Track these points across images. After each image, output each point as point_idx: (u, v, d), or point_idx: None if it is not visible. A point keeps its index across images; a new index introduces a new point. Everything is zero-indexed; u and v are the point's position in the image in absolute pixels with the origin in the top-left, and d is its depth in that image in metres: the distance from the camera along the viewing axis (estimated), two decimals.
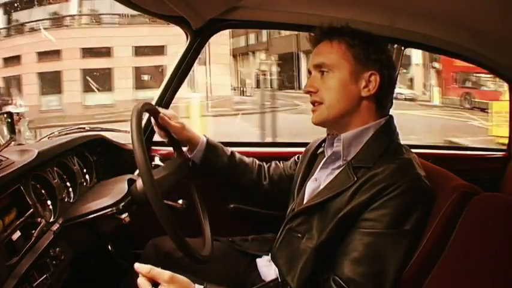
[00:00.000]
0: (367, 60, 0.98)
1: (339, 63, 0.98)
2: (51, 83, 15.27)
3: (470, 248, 0.79)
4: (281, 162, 1.32)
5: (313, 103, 1.01)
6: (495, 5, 1.19)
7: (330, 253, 0.93)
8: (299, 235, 0.99)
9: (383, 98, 1.00)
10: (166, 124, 1.16)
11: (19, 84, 14.56)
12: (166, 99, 1.60)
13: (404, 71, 17.99)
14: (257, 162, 1.31)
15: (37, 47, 14.92)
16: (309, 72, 1.04)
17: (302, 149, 1.27)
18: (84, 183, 1.34)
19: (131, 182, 1.13)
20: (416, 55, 16.05)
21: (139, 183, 1.08)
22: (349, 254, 0.88)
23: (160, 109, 1.19)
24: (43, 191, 1.11)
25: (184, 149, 1.25)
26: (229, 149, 1.27)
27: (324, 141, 1.13)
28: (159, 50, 15.75)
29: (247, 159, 1.29)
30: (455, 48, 1.58)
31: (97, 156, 1.49)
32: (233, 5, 1.40)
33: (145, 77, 15.97)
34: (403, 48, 1.63)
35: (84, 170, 1.38)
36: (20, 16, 16.08)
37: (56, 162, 1.21)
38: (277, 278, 1.03)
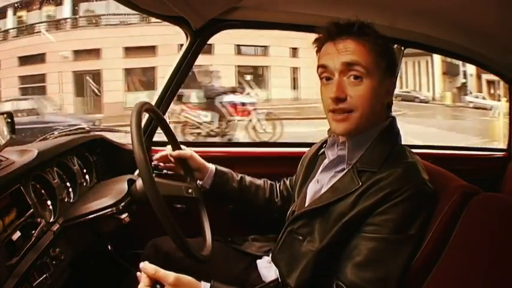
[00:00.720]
0: (389, 67, 0.95)
1: (373, 70, 0.90)
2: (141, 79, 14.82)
3: (470, 248, 0.79)
4: (288, 178, 1.33)
5: (339, 110, 0.91)
6: (495, 5, 1.19)
7: (332, 257, 0.92)
8: (300, 238, 0.99)
9: (391, 102, 1.01)
10: (182, 155, 1.23)
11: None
12: (165, 100, 1.60)
13: (463, 80, 18.51)
14: (269, 182, 1.33)
15: (122, 41, 14.43)
16: (323, 66, 0.93)
17: (302, 149, 1.27)
18: (84, 183, 1.34)
19: (131, 182, 1.13)
20: (471, 67, 16.48)
21: (139, 183, 1.08)
22: (352, 258, 0.87)
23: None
24: (43, 191, 1.11)
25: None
26: (239, 175, 1.30)
27: (324, 142, 1.12)
28: (262, 51, 15.59)
29: (258, 181, 1.31)
30: (455, 48, 1.58)
31: (97, 156, 1.49)
32: (233, 5, 1.40)
33: (248, 77, 15.55)
34: (403, 48, 1.63)
35: (84, 170, 1.38)
36: (96, 7, 15.21)
37: (56, 162, 1.21)
38: (277, 279, 1.03)
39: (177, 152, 1.23)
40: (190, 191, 1.17)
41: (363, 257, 0.86)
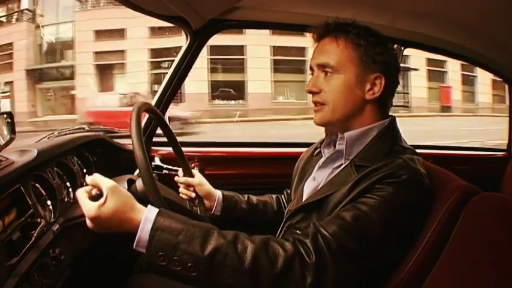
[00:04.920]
0: (373, 62, 0.95)
1: (344, 65, 0.94)
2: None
3: (470, 248, 0.79)
4: (287, 190, 1.31)
5: (315, 103, 0.98)
6: (495, 6, 1.19)
7: None
8: (299, 232, 0.98)
9: (386, 100, 0.99)
10: (190, 182, 1.20)
11: None
12: (165, 100, 1.60)
13: None
14: (273, 196, 1.32)
15: None
16: (311, 69, 1.01)
17: (301, 149, 1.27)
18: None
19: (131, 182, 1.13)
20: None
21: (139, 183, 1.07)
22: (338, 216, 0.84)
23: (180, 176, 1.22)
24: (43, 191, 1.11)
25: None
26: (245, 195, 1.28)
27: (321, 142, 1.12)
28: None
29: (264, 197, 1.30)
30: (455, 48, 1.58)
31: (97, 156, 1.49)
32: (233, 5, 1.40)
33: None
34: (402, 48, 1.63)
35: (84, 170, 1.38)
36: None
37: (56, 162, 1.21)
38: None
39: (184, 179, 1.21)
40: (194, 208, 1.16)
41: (348, 218, 0.82)
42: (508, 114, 1.87)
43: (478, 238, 0.79)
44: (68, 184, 1.25)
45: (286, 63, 15.25)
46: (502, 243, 0.75)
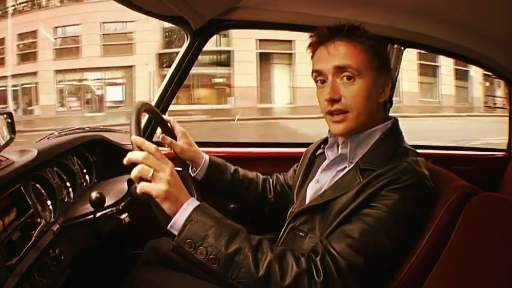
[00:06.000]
0: (383, 65, 0.97)
1: (365, 69, 0.92)
2: None
3: (469, 248, 0.79)
4: (282, 173, 1.31)
5: (335, 112, 0.94)
6: (495, 6, 1.19)
7: None
8: (302, 234, 0.98)
9: (388, 101, 1.01)
10: (171, 145, 1.15)
11: None
12: (165, 100, 1.60)
13: None
14: (261, 176, 1.30)
15: None
16: (318, 73, 0.96)
17: (301, 149, 1.26)
18: (84, 183, 1.34)
19: (131, 182, 1.13)
20: None
21: None
22: (345, 232, 0.85)
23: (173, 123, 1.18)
24: (43, 191, 1.11)
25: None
26: (233, 167, 1.26)
27: (323, 142, 1.12)
28: None
29: (251, 175, 1.28)
30: (456, 48, 1.58)
31: (97, 156, 1.49)
32: (233, 5, 1.40)
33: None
34: (403, 48, 1.63)
35: (84, 170, 1.38)
36: None
37: (56, 162, 1.21)
38: None
39: (170, 141, 1.14)
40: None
41: (354, 235, 0.84)
42: (508, 114, 1.87)
43: (478, 238, 0.79)
44: (68, 184, 1.25)
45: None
46: (502, 243, 0.75)
